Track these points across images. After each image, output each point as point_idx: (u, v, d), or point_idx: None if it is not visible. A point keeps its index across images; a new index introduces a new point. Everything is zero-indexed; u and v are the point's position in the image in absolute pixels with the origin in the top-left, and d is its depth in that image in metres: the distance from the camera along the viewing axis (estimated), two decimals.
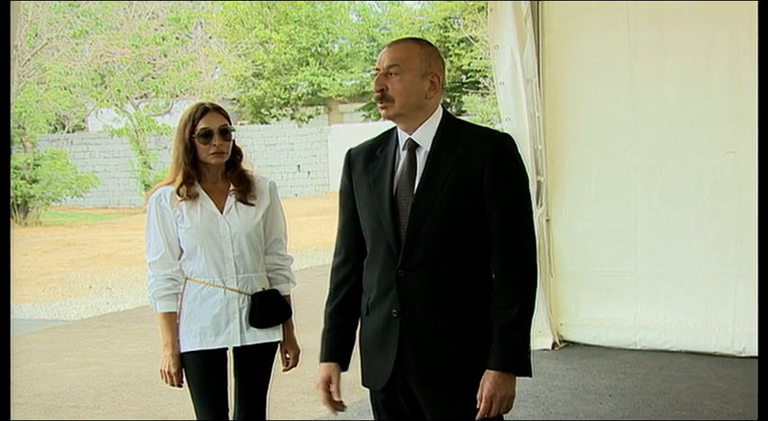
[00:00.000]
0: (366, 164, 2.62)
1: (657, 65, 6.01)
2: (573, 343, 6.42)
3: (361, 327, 2.67)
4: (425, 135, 2.56)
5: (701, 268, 6.00)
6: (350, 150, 2.70)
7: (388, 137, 2.65)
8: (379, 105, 2.56)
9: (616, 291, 6.26)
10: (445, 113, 2.60)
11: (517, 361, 2.48)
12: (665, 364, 5.84)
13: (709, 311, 5.99)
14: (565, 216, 6.33)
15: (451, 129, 2.57)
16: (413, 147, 2.56)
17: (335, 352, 2.67)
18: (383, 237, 2.53)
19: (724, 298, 5.93)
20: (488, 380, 2.46)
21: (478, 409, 2.46)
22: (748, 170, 5.75)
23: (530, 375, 2.52)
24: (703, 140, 5.94)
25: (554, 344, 6.31)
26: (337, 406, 2.65)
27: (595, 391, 5.37)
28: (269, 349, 3.37)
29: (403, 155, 2.57)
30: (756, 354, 5.55)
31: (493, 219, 2.49)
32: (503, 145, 2.53)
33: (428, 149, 2.55)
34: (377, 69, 2.55)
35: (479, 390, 2.46)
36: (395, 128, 2.63)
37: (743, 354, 5.85)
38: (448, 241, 2.49)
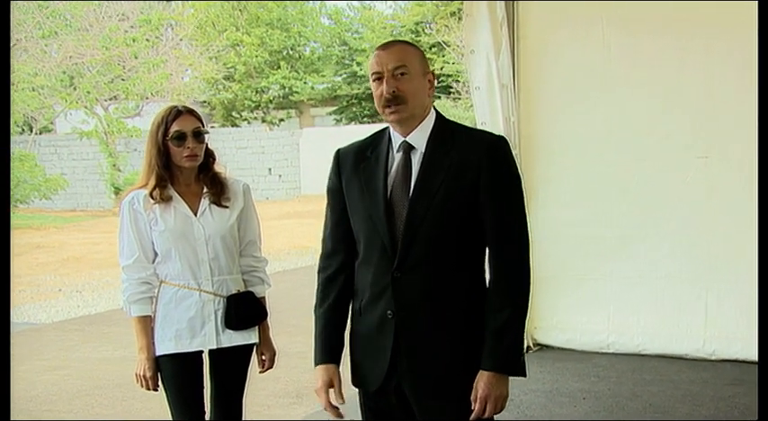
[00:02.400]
0: (357, 164, 2.59)
1: (631, 71, 6.05)
2: (547, 346, 6.45)
3: (351, 328, 2.64)
4: (420, 137, 2.53)
5: (673, 272, 6.05)
6: (339, 150, 2.66)
7: (379, 138, 2.61)
8: (388, 110, 2.49)
9: (589, 295, 6.29)
10: (438, 115, 2.58)
11: (510, 361, 2.49)
12: (637, 368, 5.88)
13: (681, 315, 6.03)
14: (539, 220, 6.32)
15: (445, 131, 2.55)
16: (408, 149, 2.54)
17: (334, 353, 2.61)
18: (377, 239, 2.51)
19: (695, 302, 5.98)
20: (482, 380, 2.46)
21: (472, 411, 2.46)
22: (719, 175, 5.83)
23: (524, 375, 2.54)
24: (676, 146, 5.99)
25: (528, 348, 6.33)
26: (338, 411, 2.56)
27: (569, 394, 5.40)
28: (245, 351, 3.36)
29: (397, 157, 2.55)
30: (727, 357, 5.73)
31: (489, 221, 2.49)
32: (498, 147, 2.52)
33: (423, 151, 2.52)
34: (377, 73, 2.49)
35: (473, 391, 2.47)
36: (385, 129, 2.60)
37: (713, 357, 5.90)
38: (444, 242, 2.48)
